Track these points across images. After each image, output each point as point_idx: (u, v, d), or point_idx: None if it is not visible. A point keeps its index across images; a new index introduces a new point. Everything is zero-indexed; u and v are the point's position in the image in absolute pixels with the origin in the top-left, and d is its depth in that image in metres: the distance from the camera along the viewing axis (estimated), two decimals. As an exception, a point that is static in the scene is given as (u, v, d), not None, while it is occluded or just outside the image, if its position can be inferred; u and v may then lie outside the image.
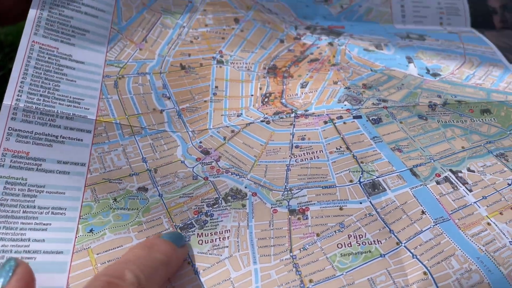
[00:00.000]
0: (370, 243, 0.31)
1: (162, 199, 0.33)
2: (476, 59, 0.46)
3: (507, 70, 0.45)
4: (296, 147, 0.37)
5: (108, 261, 0.30)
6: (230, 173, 0.35)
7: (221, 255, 0.30)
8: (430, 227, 0.31)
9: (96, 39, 0.39)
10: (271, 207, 0.33)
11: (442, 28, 0.52)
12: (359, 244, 0.31)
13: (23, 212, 0.30)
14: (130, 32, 0.41)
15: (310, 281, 0.29)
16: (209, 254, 0.30)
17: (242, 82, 0.42)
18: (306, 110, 0.39)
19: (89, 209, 0.32)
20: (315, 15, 0.51)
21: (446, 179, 0.34)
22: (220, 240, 0.31)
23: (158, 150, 0.36)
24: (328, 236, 0.31)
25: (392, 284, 0.29)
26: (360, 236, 0.31)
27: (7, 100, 0.33)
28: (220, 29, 0.45)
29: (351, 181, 0.34)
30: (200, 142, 0.37)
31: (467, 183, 0.34)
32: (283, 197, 0.33)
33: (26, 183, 0.31)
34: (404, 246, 0.30)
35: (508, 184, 0.34)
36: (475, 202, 0.33)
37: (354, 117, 0.38)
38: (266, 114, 0.39)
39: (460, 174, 0.34)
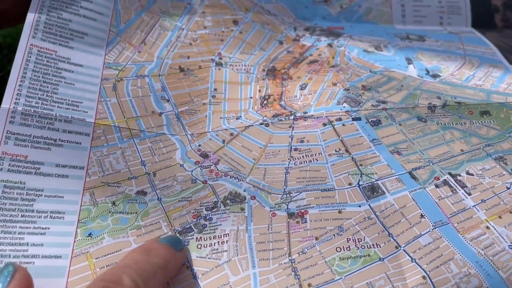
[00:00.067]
0: (369, 246, 0.31)
1: (161, 203, 0.33)
2: (476, 60, 0.46)
3: (508, 71, 0.45)
4: (295, 149, 0.36)
5: (107, 266, 0.30)
6: (229, 177, 0.35)
7: (220, 259, 0.30)
8: (429, 231, 0.31)
9: (94, 42, 0.39)
10: (270, 211, 0.33)
11: (442, 28, 0.52)
12: (358, 248, 0.31)
13: (22, 216, 0.30)
14: (129, 34, 0.41)
15: (309, 285, 0.29)
16: (208, 258, 0.30)
17: (241, 84, 0.42)
18: (305, 112, 0.39)
19: (87, 213, 0.32)
20: (315, 16, 0.51)
21: (445, 182, 0.34)
22: (219, 244, 0.31)
23: (157, 153, 0.36)
24: (327, 240, 0.31)
25: (391, 288, 0.29)
26: (359, 239, 0.31)
27: (5, 104, 0.33)
28: (219, 31, 0.45)
29: (350, 184, 0.34)
30: (199, 146, 0.37)
31: (466, 187, 0.34)
32: (282, 200, 0.33)
33: (24, 187, 0.31)
34: (403, 250, 0.30)
35: (507, 187, 0.34)
36: (474, 206, 0.33)
37: (353, 119, 0.38)
38: (265, 116, 0.39)
39: (459, 178, 0.34)
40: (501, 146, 0.37)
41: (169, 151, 0.36)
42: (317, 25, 0.50)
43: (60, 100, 0.35)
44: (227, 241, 0.31)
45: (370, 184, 0.34)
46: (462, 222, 0.32)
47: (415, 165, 0.35)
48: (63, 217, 0.31)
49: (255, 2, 0.48)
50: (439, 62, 0.46)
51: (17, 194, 0.31)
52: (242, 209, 0.33)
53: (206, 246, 0.31)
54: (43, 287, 0.28)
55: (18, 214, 0.30)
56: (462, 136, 0.37)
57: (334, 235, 0.31)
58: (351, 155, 0.36)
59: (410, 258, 0.30)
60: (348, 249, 0.31)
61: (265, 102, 0.41)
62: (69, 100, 0.35)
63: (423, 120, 0.38)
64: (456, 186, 0.34)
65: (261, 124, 0.39)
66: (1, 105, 0.33)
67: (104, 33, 0.39)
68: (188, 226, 0.32)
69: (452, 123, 0.38)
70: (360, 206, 0.33)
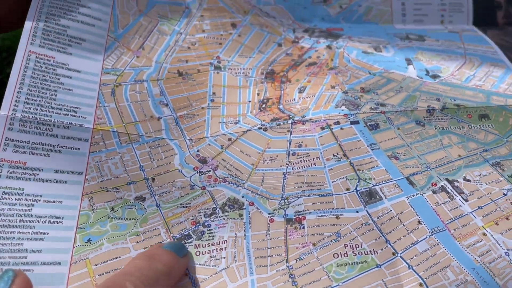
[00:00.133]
0: (366, 253, 0.31)
1: (159, 209, 0.33)
2: (477, 59, 0.46)
3: (509, 70, 0.44)
4: (293, 154, 0.37)
5: (106, 272, 0.30)
6: (227, 182, 0.35)
7: (218, 266, 0.31)
8: (426, 237, 0.31)
9: (93, 48, 0.39)
10: (268, 217, 0.33)
11: (443, 27, 0.52)
12: (355, 254, 0.31)
13: (20, 221, 0.31)
14: (127, 39, 0.41)
15: (306, 292, 0.29)
16: (207, 265, 0.31)
17: (240, 88, 0.42)
18: (304, 116, 0.39)
19: (86, 218, 0.32)
20: (313, 17, 0.51)
21: (443, 188, 0.34)
22: (217, 251, 0.31)
23: (155, 158, 0.36)
24: (324, 246, 0.31)
25: (388, 296, 0.29)
26: (357, 246, 0.31)
27: (3, 111, 0.33)
28: (218, 35, 0.45)
29: (347, 189, 0.34)
30: (198, 151, 0.37)
31: (463, 193, 0.34)
32: (279, 206, 0.33)
33: (23, 193, 0.32)
34: (400, 257, 0.31)
35: (503, 194, 0.34)
36: (471, 212, 0.33)
37: (352, 123, 0.38)
38: (264, 120, 0.39)
39: (456, 184, 0.34)
40: (498, 152, 0.37)
41: (167, 156, 0.37)
42: (316, 27, 0.50)
43: (58, 106, 0.35)
44: (225, 247, 0.31)
45: (367, 189, 0.34)
46: (459, 228, 0.32)
47: (413, 171, 0.35)
48: (61, 222, 0.32)
49: (253, 4, 0.48)
50: (439, 62, 0.46)
51: (15, 199, 0.31)
52: (240, 215, 0.33)
53: (205, 253, 0.31)
54: None
55: (17, 219, 0.31)
56: (460, 141, 0.37)
57: (331, 241, 0.31)
58: (349, 160, 0.36)
59: (407, 265, 0.30)
60: (345, 255, 0.31)
61: (263, 106, 0.41)
62: (67, 106, 0.35)
63: (421, 124, 0.38)
64: (453, 192, 0.34)
65: (259, 128, 0.39)
66: (0, 112, 0.33)
67: (102, 38, 0.39)
68: (187, 232, 0.32)
69: (450, 127, 0.38)
70: (357, 212, 0.33)
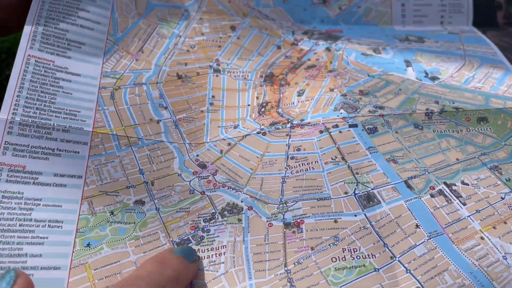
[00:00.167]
0: (364, 257, 0.31)
1: (159, 213, 0.34)
2: (477, 60, 0.46)
3: (508, 72, 0.44)
4: (292, 158, 0.37)
5: (105, 277, 0.30)
6: (226, 187, 0.35)
7: (217, 271, 0.31)
8: (424, 241, 0.31)
9: (92, 51, 0.39)
10: (267, 221, 0.33)
11: (442, 28, 0.52)
12: (354, 258, 0.31)
13: (20, 225, 0.31)
14: (126, 43, 0.41)
15: (304, 296, 0.29)
16: (206, 270, 0.31)
17: (239, 91, 0.42)
18: (302, 120, 0.39)
19: (86, 222, 0.32)
20: (313, 19, 0.51)
21: (441, 192, 0.34)
22: (216, 256, 0.31)
23: (155, 162, 0.36)
24: (323, 250, 0.31)
25: (385, 300, 0.29)
26: (355, 249, 0.31)
27: (3, 115, 0.33)
28: (217, 37, 0.45)
29: (346, 193, 0.34)
30: (197, 156, 0.37)
31: (461, 197, 0.34)
32: (278, 210, 0.34)
33: (22, 197, 0.32)
34: (398, 261, 0.31)
35: (501, 198, 0.34)
36: (468, 216, 0.33)
37: (350, 126, 0.38)
38: (263, 125, 0.39)
39: (454, 187, 0.34)
40: (496, 155, 0.37)
41: (167, 160, 0.37)
42: (316, 29, 0.50)
43: (58, 109, 0.35)
44: (224, 252, 0.32)
45: (366, 193, 0.34)
46: (456, 232, 0.32)
47: (411, 174, 0.35)
48: (61, 226, 0.32)
49: (252, 6, 0.48)
50: (438, 64, 0.46)
51: (15, 204, 0.31)
52: (240, 220, 0.33)
53: (204, 258, 0.31)
54: None
55: (16, 223, 0.31)
56: (458, 144, 0.38)
57: (329, 245, 0.32)
58: (347, 163, 0.36)
59: (405, 269, 0.30)
60: (343, 259, 0.31)
61: (262, 109, 0.41)
62: (67, 110, 0.36)
63: (420, 127, 0.39)
64: (451, 196, 0.34)
65: (258, 133, 0.39)
66: None
67: (102, 42, 0.40)
68: (186, 237, 0.32)
69: (449, 130, 0.38)
70: (355, 216, 0.33)
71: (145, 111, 0.39)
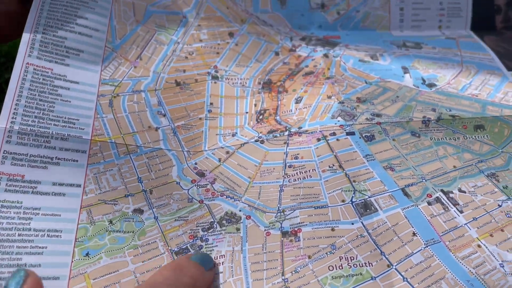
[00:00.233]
0: (361, 265, 0.31)
1: (157, 222, 0.34)
2: (474, 67, 0.46)
3: (505, 79, 0.45)
4: (290, 166, 0.37)
5: (104, 287, 0.30)
6: (225, 196, 0.35)
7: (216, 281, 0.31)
8: (421, 249, 0.32)
9: (90, 59, 0.39)
10: (265, 230, 0.33)
11: (440, 33, 0.52)
12: (350, 267, 0.31)
13: (19, 235, 0.31)
14: (125, 50, 0.41)
15: (302, 305, 0.30)
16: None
17: (237, 99, 0.42)
18: (300, 128, 0.39)
19: (85, 232, 0.32)
20: (311, 24, 0.51)
21: (438, 199, 0.34)
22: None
23: (153, 170, 0.36)
24: (320, 258, 0.32)
25: (382, 309, 0.29)
26: (352, 258, 0.31)
27: (1, 123, 0.33)
28: (215, 44, 0.45)
29: (343, 201, 0.34)
30: (196, 164, 0.37)
31: (458, 204, 0.34)
32: (276, 219, 0.34)
33: (21, 206, 0.32)
34: (395, 269, 0.31)
35: (498, 205, 0.34)
36: (465, 224, 0.33)
37: (347, 134, 0.38)
38: (261, 132, 0.40)
39: (451, 195, 0.35)
40: (493, 163, 0.37)
41: (165, 168, 0.37)
42: (313, 34, 0.50)
43: (56, 118, 0.35)
44: (222, 262, 0.32)
45: (363, 201, 0.34)
46: (453, 240, 0.32)
47: (408, 182, 0.35)
48: (60, 235, 0.32)
49: (250, 12, 0.48)
50: (436, 71, 0.46)
51: (14, 213, 0.31)
52: (238, 229, 0.33)
53: None
54: None
55: (16, 233, 0.31)
56: (455, 152, 0.38)
57: (326, 253, 0.32)
58: (344, 171, 0.36)
59: (401, 277, 0.30)
60: (340, 267, 0.31)
61: (260, 117, 0.41)
62: (65, 118, 0.36)
63: (417, 135, 0.39)
64: (448, 204, 0.34)
65: (256, 141, 0.39)
66: None
67: (100, 49, 0.40)
68: (185, 246, 0.33)
69: (446, 138, 0.39)
70: (353, 224, 0.33)
71: (143, 118, 0.39)
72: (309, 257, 0.32)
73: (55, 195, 0.33)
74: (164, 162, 0.37)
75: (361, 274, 0.31)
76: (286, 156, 0.37)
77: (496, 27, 0.53)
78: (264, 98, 0.43)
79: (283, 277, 0.31)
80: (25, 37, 0.36)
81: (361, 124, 0.39)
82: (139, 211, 0.34)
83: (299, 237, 0.33)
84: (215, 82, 0.43)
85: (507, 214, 0.34)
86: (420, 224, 0.33)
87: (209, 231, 0.33)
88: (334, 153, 0.37)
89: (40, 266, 0.30)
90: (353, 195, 0.35)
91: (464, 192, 0.35)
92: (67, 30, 0.38)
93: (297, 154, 0.38)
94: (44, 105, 0.35)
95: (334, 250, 0.32)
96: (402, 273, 0.31)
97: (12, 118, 0.34)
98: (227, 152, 0.38)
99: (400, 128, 0.39)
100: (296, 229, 0.33)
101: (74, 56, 0.38)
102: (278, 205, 0.35)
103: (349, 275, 0.31)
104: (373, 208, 0.34)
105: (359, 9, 0.52)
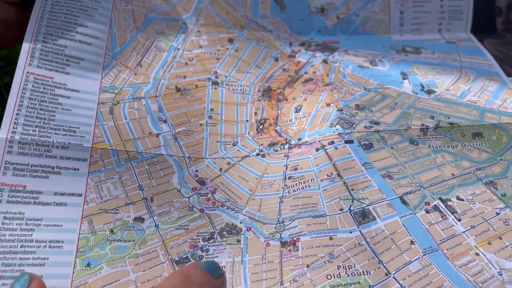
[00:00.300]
0: (359, 274, 0.31)
1: (158, 230, 0.34)
2: (473, 72, 0.46)
3: (504, 85, 0.45)
4: (289, 178, 0.37)
5: (105, 296, 0.31)
6: (225, 207, 0.36)
7: None
8: (419, 258, 0.32)
9: (90, 67, 0.39)
10: (264, 241, 0.34)
11: (440, 37, 0.52)
12: (349, 275, 0.31)
13: (21, 246, 0.31)
14: (125, 57, 0.41)
15: (301, 314, 0.30)
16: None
17: (237, 105, 0.43)
18: (300, 139, 0.40)
19: (86, 242, 0.33)
20: (310, 29, 0.51)
21: (436, 207, 0.35)
22: None
23: (154, 177, 0.37)
24: (318, 267, 0.32)
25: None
26: (350, 266, 0.32)
27: (2, 134, 0.33)
28: (215, 50, 0.45)
29: (341, 209, 0.35)
30: (196, 171, 0.38)
31: (456, 212, 0.34)
32: (275, 229, 0.34)
33: (23, 217, 0.32)
34: (393, 277, 0.31)
35: (496, 213, 0.34)
36: (463, 232, 0.33)
37: (346, 142, 0.39)
38: (261, 145, 0.40)
39: (449, 203, 0.35)
40: (491, 170, 0.37)
41: (166, 174, 0.37)
42: (313, 40, 0.50)
43: (57, 126, 0.35)
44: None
45: (361, 209, 0.35)
46: (451, 248, 0.32)
47: (406, 190, 0.36)
48: (61, 246, 0.32)
49: (250, 18, 0.48)
50: (435, 76, 0.46)
51: (16, 224, 0.32)
52: (238, 241, 0.34)
53: None
54: None
55: (18, 245, 0.31)
56: (453, 159, 0.38)
57: (325, 262, 0.32)
58: (343, 179, 0.36)
59: (400, 286, 0.31)
60: (338, 276, 0.31)
61: (261, 127, 0.41)
62: (66, 126, 0.36)
63: (415, 143, 0.39)
64: (446, 212, 0.34)
65: (257, 154, 0.39)
66: None
67: (100, 57, 0.40)
68: (185, 256, 0.33)
69: (444, 145, 0.39)
70: (351, 232, 0.33)
71: (144, 125, 0.39)
72: (308, 266, 0.32)
73: (56, 205, 0.33)
74: (165, 169, 0.37)
75: (359, 282, 0.31)
76: (286, 169, 0.38)
77: (497, 30, 0.53)
78: (264, 106, 0.43)
79: (281, 287, 0.31)
80: (25, 46, 0.36)
81: (359, 132, 0.39)
82: (140, 219, 0.34)
83: (298, 246, 0.33)
84: (215, 88, 0.43)
85: (505, 222, 0.34)
86: (418, 232, 0.33)
87: (210, 242, 0.34)
88: (333, 162, 0.37)
89: (42, 277, 0.30)
90: (351, 203, 0.35)
91: (462, 200, 0.35)
92: (67, 39, 0.38)
93: (297, 165, 0.38)
94: (44, 114, 0.35)
95: (332, 259, 0.32)
96: (400, 281, 0.31)
97: (13, 128, 0.34)
98: (228, 163, 0.39)
99: (398, 136, 0.39)
100: (295, 238, 0.33)
101: (74, 65, 0.38)
102: (278, 216, 0.35)
103: (347, 283, 0.31)
104: (371, 217, 0.34)
105: (359, 13, 0.52)
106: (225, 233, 0.34)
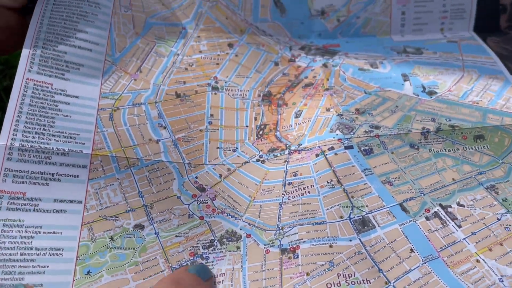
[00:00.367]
0: (359, 282, 0.31)
1: (158, 238, 0.34)
2: (475, 71, 0.46)
3: (507, 83, 0.44)
4: (289, 184, 0.37)
5: (105, 304, 0.31)
6: (225, 214, 0.36)
7: None
8: (419, 266, 0.32)
9: (90, 73, 0.39)
10: (264, 248, 0.34)
11: (442, 36, 0.51)
12: (348, 284, 0.31)
13: (21, 254, 0.31)
14: (124, 63, 0.41)
15: (300, 323, 0.30)
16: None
17: (237, 110, 0.42)
18: (299, 145, 0.40)
19: (86, 249, 0.33)
20: (310, 32, 0.51)
21: (436, 214, 0.34)
22: (215, 284, 0.32)
23: (154, 183, 0.37)
24: (318, 275, 0.32)
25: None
26: (350, 275, 0.32)
27: (2, 141, 0.33)
28: (215, 55, 0.45)
29: (341, 217, 0.35)
30: (196, 178, 0.38)
31: (457, 219, 0.34)
32: (275, 236, 0.34)
33: (23, 225, 0.32)
34: (393, 286, 0.31)
35: (497, 219, 0.34)
36: (464, 239, 0.33)
37: (346, 147, 0.38)
38: (261, 151, 0.40)
39: (449, 209, 0.35)
40: (493, 174, 0.37)
41: (166, 181, 0.37)
42: (313, 43, 0.50)
43: (57, 133, 0.35)
44: (222, 280, 0.32)
45: (361, 217, 0.35)
46: (452, 256, 0.32)
47: (406, 196, 0.36)
48: (61, 254, 0.32)
49: (250, 22, 0.48)
50: (436, 77, 0.46)
51: (16, 232, 0.32)
52: (238, 248, 0.34)
53: None
54: None
55: (18, 253, 0.31)
56: (454, 164, 0.38)
57: (324, 270, 0.32)
58: (342, 186, 0.36)
59: (399, 294, 0.31)
60: (338, 285, 0.31)
61: (261, 132, 0.41)
62: (66, 133, 0.36)
63: (416, 147, 0.39)
64: (447, 219, 0.34)
65: (257, 160, 0.39)
66: None
67: (100, 63, 0.40)
68: (185, 263, 0.33)
69: (445, 149, 0.39)
70: (351, 241, 0.33)
71: (144, 131, 0.39)
72: (307, 274, 0.32)
73: (56, 212, 0.33)
74: (165, 175, 0.37)
75: (359, 291, 0.31)
76: (286, 174, 0.38)
77: (501, 27, 0.53)
78: (264, 111, 0.43)
79: (282, 295, 0.31)
80: (25, 52, 0.36)
81: (359, 137, 0.39)
82: (140, 226, 0.34)
83: (298, 254, 0.33)
84: (215, 93, 0.43)
85: (506, 227, 0.34)
86: (418, 240, 0.33)
87: (210, 249, 0.34)
88: (332, 168, 0.37)
89: (42, 286, 0.31)
90: (351, 211, 0.35)
91: (463, 206, 0.35)
92: (67, 44, 0.38)
93: (296, 171, 0.38)
94: (44, 120, 0.35)
95: (332, 267, 0.32)
96: (400, 290, 0.31)
97: (13, 135, 0.34)
98: (228, 170, 0.39)
99: (399, 140, 0.39)
100: (294, 246, 0.33)
101: (74, 71, 0.38)
102: (278, 223, 0.35)
103: (347, 292, 0.31)
104: (370, 225, 0.34)
105: (360, 15, 0.52)
106: (225, 240, 0.34)
